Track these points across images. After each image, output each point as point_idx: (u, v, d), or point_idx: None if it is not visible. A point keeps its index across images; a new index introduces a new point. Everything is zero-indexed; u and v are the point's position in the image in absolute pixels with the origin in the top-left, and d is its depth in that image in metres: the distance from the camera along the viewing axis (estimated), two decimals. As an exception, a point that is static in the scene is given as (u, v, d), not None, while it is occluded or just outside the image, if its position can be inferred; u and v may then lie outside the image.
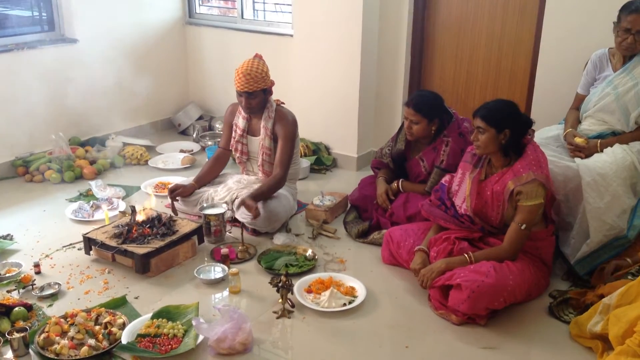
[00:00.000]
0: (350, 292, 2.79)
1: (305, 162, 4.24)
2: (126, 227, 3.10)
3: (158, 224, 3.14)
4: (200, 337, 2.42)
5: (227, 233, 3.38)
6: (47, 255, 3.17)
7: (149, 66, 5.01)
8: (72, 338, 2.39)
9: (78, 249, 3.22)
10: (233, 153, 3.67)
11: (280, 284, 2.63)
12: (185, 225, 3.19)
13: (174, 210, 3.45)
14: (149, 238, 3.03)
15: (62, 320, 2.48)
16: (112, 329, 2.46)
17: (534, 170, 2.61)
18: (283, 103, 3.58)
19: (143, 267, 2.93)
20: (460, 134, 3.24)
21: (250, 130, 3.58)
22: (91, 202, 3.68)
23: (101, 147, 4.60)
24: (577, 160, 2.95)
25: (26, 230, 3.45)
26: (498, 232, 2.78)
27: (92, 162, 4.33)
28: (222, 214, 3.31)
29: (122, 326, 2.51)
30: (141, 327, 2.50)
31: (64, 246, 3.26)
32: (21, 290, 2.82)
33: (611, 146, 2.94)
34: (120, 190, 3.96)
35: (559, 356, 2.41)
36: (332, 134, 4.47)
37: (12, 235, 3.36)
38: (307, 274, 2.95)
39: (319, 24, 4.27)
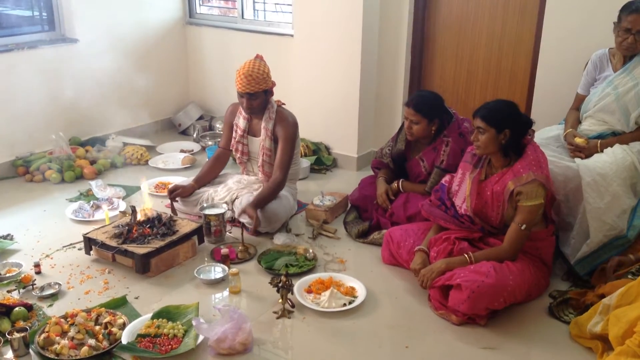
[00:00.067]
0: (350, 292, 2.79)
1: (305, 162, 4.24)
2: (126, 227, 3.10)
3: (158, 224, 3.14)
4: (201, 337, 2.42)
5: (227, 233, 3.38)
6: (47, 255, 3.17)
7: (149, 66, 5.01)
8: (72, 338, 2.39)
9: (78, 249, 3.22)
10: (233, 153, 3.67)
11: (280, 284, 2.63)
12: (185, 225, 3.19)
13: (173, 210, 3.45)
14: (149, 238, 3.03)
15: (62, 320, 2.48)
16: (112, 329, 2.46)
17: (534, 170, 2.61)
18: (284, 104, 3.58)
19: (143, 267, 2.93)
20: (460, 134, 3.24)
21: (250, 131, 3.58)
22: (91, 202, 3.68)
23: (101, 147, 4.60)
24: (577, 160, 2.95)
25: (26, 230, 3.45)
26: (498, 232, 2.78)
27: (92, 162, 4.33)
28: (222, 214, 3.31)
29: (122, 326, 2.51)
30: (141, 327, 2.50)
31: (64, 246, 3.27)
32: (21, 290, 2.82)
33: (611, 146, 2.94)
34: (121, 190, 3.96)
35: (559, 356, 2.41)
36: (333, 134, 4.47)
37: (12, 235, 3.36)
38: (307, 274, 2.95)
39: (319, 24, 4.27)
